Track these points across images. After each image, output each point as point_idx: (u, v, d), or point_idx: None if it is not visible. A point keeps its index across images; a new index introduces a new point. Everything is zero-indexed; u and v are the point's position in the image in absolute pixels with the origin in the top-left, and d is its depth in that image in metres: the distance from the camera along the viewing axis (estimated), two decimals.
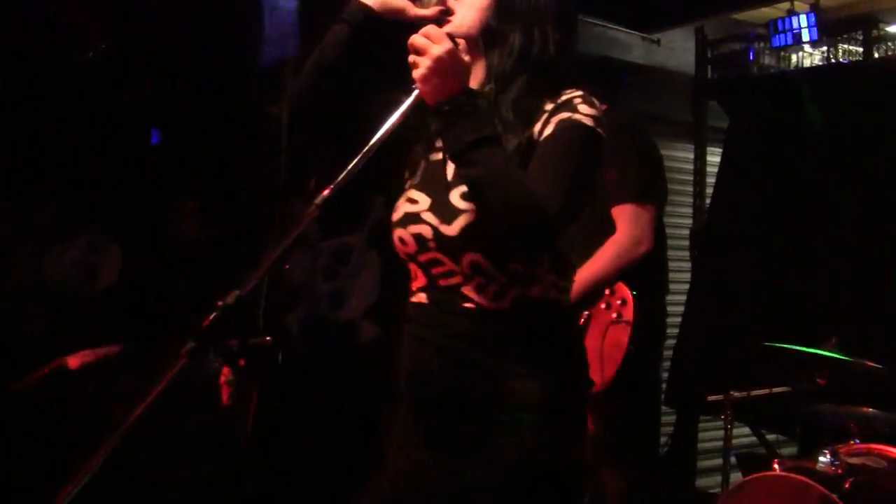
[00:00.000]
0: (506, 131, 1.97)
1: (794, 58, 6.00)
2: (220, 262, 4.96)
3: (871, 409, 3.90)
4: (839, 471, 3.48)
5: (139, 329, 4.42)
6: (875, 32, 5.57)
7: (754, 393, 4.07)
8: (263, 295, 1.74)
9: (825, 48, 5.79)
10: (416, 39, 1.82)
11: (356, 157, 1.76)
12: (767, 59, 6.10)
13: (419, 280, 2.11)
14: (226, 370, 1.83)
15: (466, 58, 1.91)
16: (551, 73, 2.03)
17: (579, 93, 1.99)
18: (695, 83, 6.57)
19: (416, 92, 1.84)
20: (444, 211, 2.01)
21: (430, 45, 1.80)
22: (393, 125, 1.80)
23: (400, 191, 2.17)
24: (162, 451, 3.92)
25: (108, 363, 4.15)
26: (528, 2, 2.05)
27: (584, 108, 1.96)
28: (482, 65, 2.07)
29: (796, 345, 3.96)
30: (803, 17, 5.62)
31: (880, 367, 3.90)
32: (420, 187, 2.10)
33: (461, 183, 1.97)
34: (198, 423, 3.80)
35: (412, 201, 2.10)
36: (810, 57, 5.91)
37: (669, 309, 6.98)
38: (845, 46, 5.72)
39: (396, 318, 5.32)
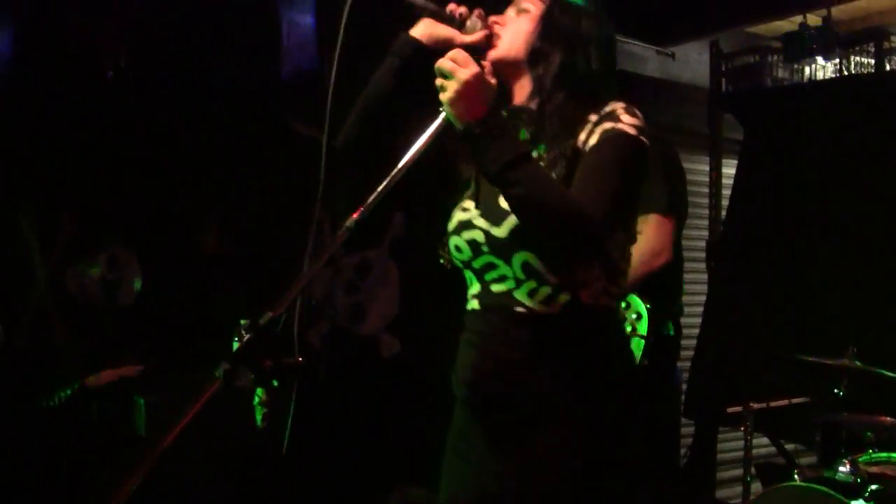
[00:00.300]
0: (549, 144, 2.05)
1: (807, 70, 6.04)
2: (242, 279, 5.01)
3: (889, 418, 3.93)
4: (859, 480, 3.51)
5: (161, 345, 4.45)
6: (886, 44, 5.62)
7: (773, 403, 4.10)
8: (297, 315, 1.79)
9: (838, 60, 5.83)
10: (444, 63, 1.86)
11: (386, 178, 1.82)
12: (781, 72, 6.13)
13: (473, 287, 2.18)
14: (260, 391, 1.86)
15: (493, 80, 1.96)
16: (593, 88, 2.10)
17: (622, 104, 2.05)
18: (710, 96, 6.61)
19: (442, 114, 1.89)
20: (494, 213, 2.06)
21: (457, 69, 1.84)
22: (422, 147, 1.85)
23: (434, 206, 2.24)
24: (197, 471, 3.95)
25: (130, 382, 4.18)
26: (572, 24, 2.14)
27: (626, 117, 2.02)
28: (528, 81, 2.15)
29: (814, 355, 4.00)
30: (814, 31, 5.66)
31: None
32: (471, 196, 2.18)
33: None
34: (232, 444, 3.82)
35: (464, 210, 2.17)
36: (823, 69, 5.95)
37: (686, 321, 7.05)
38: (857, 58, 5.77)
39: (417, 331, 5.38)
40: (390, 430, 5.06)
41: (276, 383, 1.77)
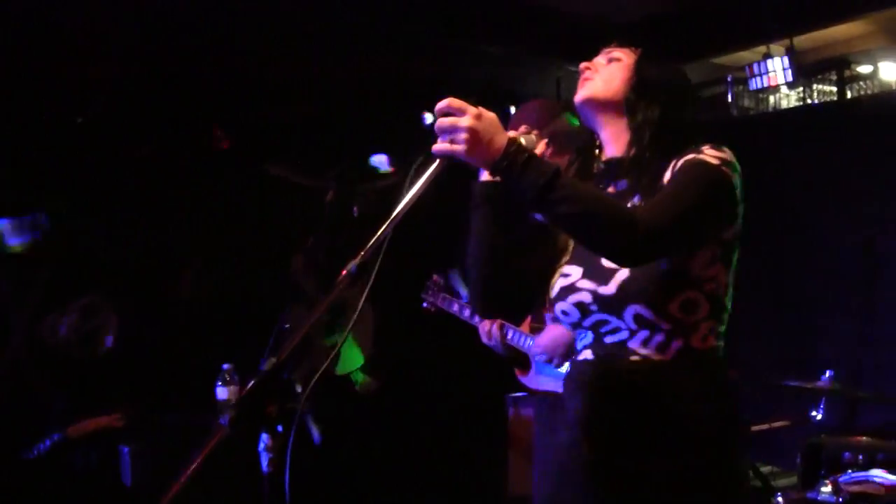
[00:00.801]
0: (644, 193, 2.11)
1: (772, 99, 6.16)
2: (219, 324, 5.00)
3: (865, 438, 3.99)
4: (840, 500, 3.57)
5: (142, 392, 4.41)
6: (848, 73, 5.74)
7: (755, 428, 4.14)
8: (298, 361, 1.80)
9: (801, 89, 5.95)
10: (443, 123, 1.87)
11: (384, 224, 1.81)
12: (747, 101, 6.24)
13: (585, 338, 2.20)
14: (265, 437, 1.87)
15: (490, 113, 1.95)
16: (689, 138, 2.14)
17: (709, 144, 2.11)
18: None
19: (437, 161, 1.88)
20: (598, 274, 2.10)
21: (457, 121, 1.86)
22: (417, 194, 1.84)
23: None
24: None
25: (113, 431, 4.14)
26: (665, 75, 2.23)
27: (709, 150, 2.07)
28: (622, 129, 2.20)
29: (793, 379, 4.06)
30: (778, 60, 5.78)
31: (875, 396, 4.02)
32: (570, 262, 2.21)
33: None
34: (237, 491, 3.79)
35: (565, 276, 2.19)
36: (787, 98, 6.07)
37: None
38: (820, 87, 5.89)
39: (392, 371, 5.38)
40: (368, 467, 5.06)
41: (280, 429, 1.78)
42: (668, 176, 2.09)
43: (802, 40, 6.16)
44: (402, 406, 5.58)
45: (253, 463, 1.92)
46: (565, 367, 3.52)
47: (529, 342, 3.68)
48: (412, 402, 5.74)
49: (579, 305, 2.14)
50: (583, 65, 2.27)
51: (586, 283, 2.13)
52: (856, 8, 5.50)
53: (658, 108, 2.16)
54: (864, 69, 5.73)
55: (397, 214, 1.81)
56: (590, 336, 2.18)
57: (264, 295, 5.14)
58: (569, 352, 3.54)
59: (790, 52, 5.75)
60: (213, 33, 4.81)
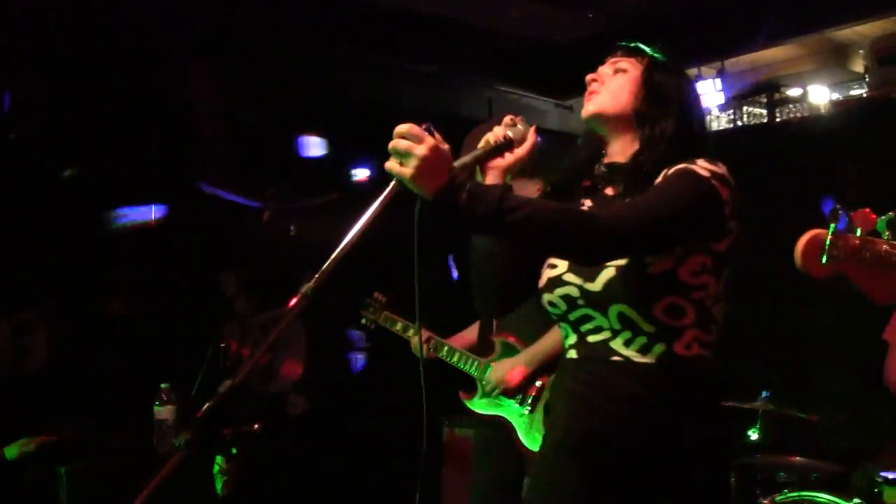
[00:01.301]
0: (633, 197, 2.10)
1: None
2: (151, 341, 4.92)
3: (800, 458, 4.03)
4: None
5: (78, 411, 4.33)
6: (778, 96, 5.84)
7: None
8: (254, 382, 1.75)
9: (732, 111, 6.04)
10: (398, 144, 1.85)
11: (338, 248, 1.79)
12: None
13: (570, 338, 2.21)
14: (220, 460, 1.82)
15: (445, 146, 1.93)
16: (698, 150, 2.13)
17: (706, 158, 2.09)
18: None
19: (392, 184, 1.87)
20: (585, 269, 2.11)
21: (413, 147, 1.84)
22: (371, 218, 1.82)
23: None
24: None
25: (49, 451, 4.06)
26: (675, 87, 2.19)
27: (703, 162, 2.06)
28: (632, 139, 2.18)
29: (728, 399, 4.09)
30: (710, 82, 5.86)
31: (809, 417, 4.06)
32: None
33: None
34: None
35: (552, 266, 2.20)
36: (718, 119, 6.16)
37: None
38: (750, 109, 5.98)
39: (324, 390, 5.33)
40: (301, 486, 5.00)
41: (234, 451, 1.73)
42: (658, 181, 2.08)
43: (732, 63, 6.28)
44: (334, 425, 5.52)
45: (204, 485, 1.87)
46: (516, 402, 3.56)
47: (478, 369, 3.71)
48: (345, 421, 5.70)
49: (566, 298, 2.15)
50: (589, 77, 2.24)
51: (573, 278, 2.14)
52: (784, 33, 5.61)
53: (672, 120, 2.15)
54: (793, 92, 5.83)
55: (351, 239, 1.80)
56: (573, 335, 2.19)
57: (198, 314, 5.07)
58: (521, 387, 3.57)
59: (721, 74, 5.84)
60: (144, 52, 4.75)
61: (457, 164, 1.95)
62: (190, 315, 4.98)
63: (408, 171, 1.84)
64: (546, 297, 2.20)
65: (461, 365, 3.80)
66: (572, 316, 2.16)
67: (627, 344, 2.08)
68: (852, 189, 5.21)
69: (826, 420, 4.16)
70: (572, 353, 2.20)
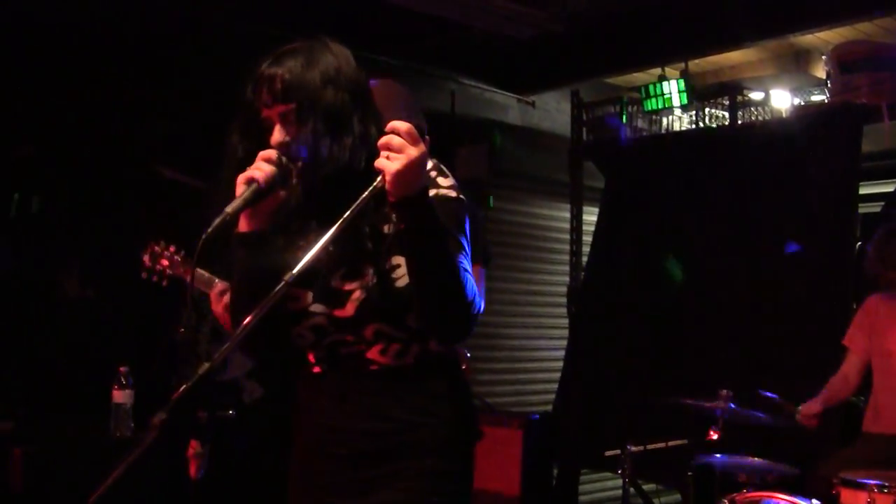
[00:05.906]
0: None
1: (664, 121, 6.26)
2: (107, 324, 4.84)
3: (759, 459, 4.05)
4: None
5: (32, 394, 4.27)
6: (740, 98, 5.88)
7: (651, 446, 4.17)
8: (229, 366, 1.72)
9: (694, 112, 6.07)
10: (392, 140, 1.85)
11: (318, 243, 1.81)
12: (641, 122, 6.34)
13: (316, 353, 2.16)
14: (193, 443, 1.78)
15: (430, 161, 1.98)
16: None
17: (431, 164, 2.08)
18: (571, 144, 6.76)
19: (375, 183, 1.86)
20: (332, 297, 2.07)
21: (406, 147, 1.85)
22: (353, 212, 1.84)
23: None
24: None
25: (3, 434, 4.00)
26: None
27: (442, 181, 2.10)
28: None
29: (689, 398, 4.10)
30: (674, 83, 5.88)
31: (768, 417, 4.08)
32: (295, 284, 1.88)
33: (340, 266, 2.05)
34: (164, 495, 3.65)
35: (293, 299, 2.09)
36: (680, 120, 6.19)
37: (550, 364, 7.16)
38: (712, 111, 6.02)
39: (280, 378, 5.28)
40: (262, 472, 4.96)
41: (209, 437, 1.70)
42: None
43: (695, 64, 6.32)
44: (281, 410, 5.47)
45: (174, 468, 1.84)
46: None
47: None
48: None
49: (315, 329, 2.10)
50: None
51: (319, 307, 2.08)
52: (747, 36, 5.66)
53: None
54: (755, 95, 5.87)
55: (331, 235, 1.82)
56: (321, 352, 2.14)
57: (155, 298, 5.00)
58: None
59: (685, 75, 5.87)
60: (103, 35, 4.69)
61: (229, 208, 1.87)
62: (147, 297, 4.91)
63: (393, 165, 1.84)
64: (294, 330, 2.12)
65: None
66: (322, 343, 2.11)
67: (382, 353, 2.08)
68: (812, 191, 5.27)
69: (784, 421, 4.20)
70: (317, 369, 2.17)
